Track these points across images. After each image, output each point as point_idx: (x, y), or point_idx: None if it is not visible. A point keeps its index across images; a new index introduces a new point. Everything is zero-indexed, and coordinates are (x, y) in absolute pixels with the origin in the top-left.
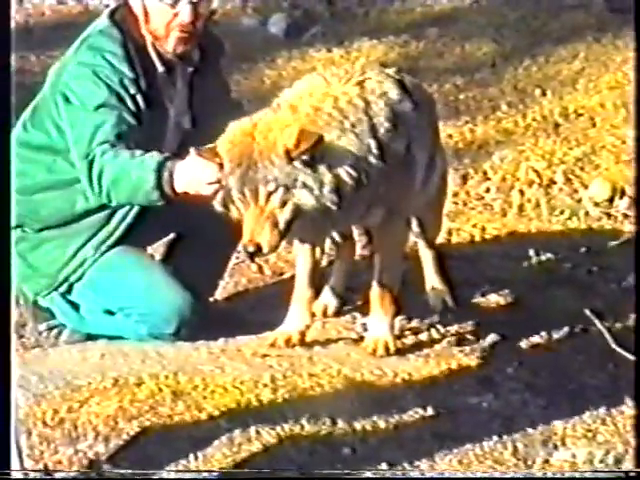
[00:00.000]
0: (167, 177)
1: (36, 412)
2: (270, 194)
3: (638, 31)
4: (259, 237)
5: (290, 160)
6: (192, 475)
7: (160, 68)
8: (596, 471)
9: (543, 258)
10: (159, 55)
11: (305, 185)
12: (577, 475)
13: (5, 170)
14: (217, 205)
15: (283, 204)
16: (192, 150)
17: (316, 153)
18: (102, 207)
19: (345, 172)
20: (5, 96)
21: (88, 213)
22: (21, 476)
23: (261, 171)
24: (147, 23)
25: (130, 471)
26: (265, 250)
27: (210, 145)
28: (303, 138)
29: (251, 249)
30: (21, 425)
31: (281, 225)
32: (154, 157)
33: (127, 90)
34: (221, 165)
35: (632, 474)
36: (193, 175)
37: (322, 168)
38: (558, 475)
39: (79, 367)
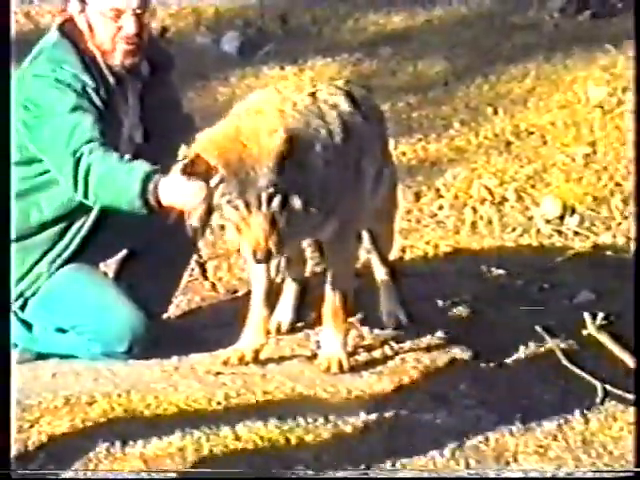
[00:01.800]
0: (152, 189)
1: None
2: (271, 198)
3: (638, 35)
4: (269, 242)
5: (283, 164)
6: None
7: (112, 80)
8: (596, 471)
9: (495, 275)
10: (109, 68)
11: (296, 188)
12: (577, 475)
13: (5, 185)
14: (195, 221)
15: (282, 208)
16: (177, 166)
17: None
18: (56, 220)
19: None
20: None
21: (43, 226)
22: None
23: (261, 176)
24: (93, 38)
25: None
26: (276, 254)
27: (189, 155)
28: (294, 140)
29: (261, 255)
30: None
31: (282, 229)
32: (142, 166)
33: (91, 99)
34: (206, 180)
35: (632, 474)
36: (180, 193)
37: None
38: (561, 475)
39: (30, 386)
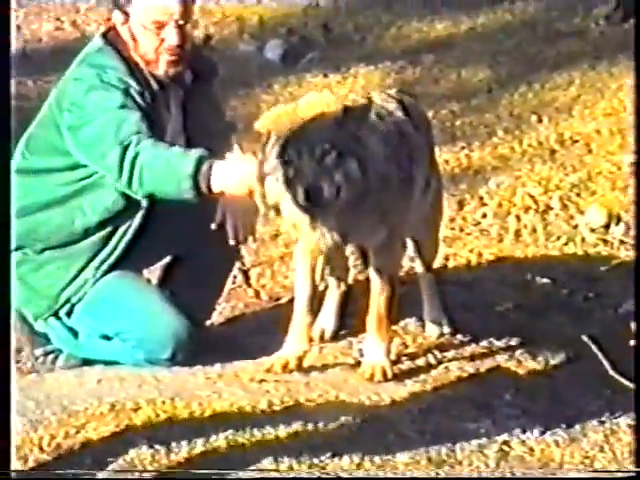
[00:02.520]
0: (205, 170)
1: (33, 438)
2: (325, 153)
3: (638, 48)
4: (321, 183)
5: (340, 127)
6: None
7: (155, 88)
8: (596, 471)
9: (540, 284)
10: (152, 76)
11: (355, 154)
12: (578, 475)
13: (5, 195)
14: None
15: (336, 167)
16: (235, 146)
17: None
18: (100, 225)
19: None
20: (5, 121)
21: (87, 231)
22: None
23: (315, 133)
24: (136, 48)
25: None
26: (326, 198)
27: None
28: (350, 110)
29: (309, 195)
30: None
31: (335, 185)
32: (197, 150)
33: (136, 100)
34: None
35: (632, 474)
36: (233, 176)
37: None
38: (560, 475)
39: (76, 392)
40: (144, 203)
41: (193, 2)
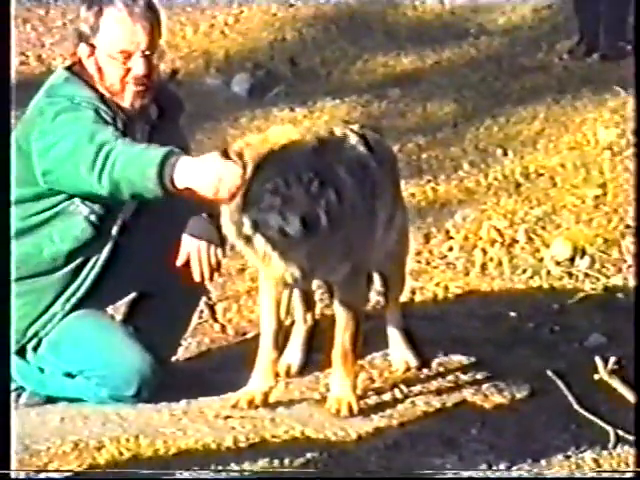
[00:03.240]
0: (173, 161)
1: None
2: (311, 181)
3: (638, 57)
4: (316, 210)
5: (318, 156)
6: None
7: (122, 118)
8: (596, 471)
9: (506, 317)
10: (119, 108)
11: (332, 183)
12: (577, 475)
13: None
14: (234, 209)
15: (320, 196)
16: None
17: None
18: (70, 255)
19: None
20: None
21: (55, 261)
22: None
23: (297, 160)
24: (102, 80)
25: None
26: (322, 225)
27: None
28: (326, 137)
29: (306, 223)
30: None
31: (323, 212)
32: (167, 147)
33: (107, 121)
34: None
35: (633, 474)
36: (204, 171)
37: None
38: (559, 475)
39: (38, 431)
40: (114, 232)
41: (159, 33)
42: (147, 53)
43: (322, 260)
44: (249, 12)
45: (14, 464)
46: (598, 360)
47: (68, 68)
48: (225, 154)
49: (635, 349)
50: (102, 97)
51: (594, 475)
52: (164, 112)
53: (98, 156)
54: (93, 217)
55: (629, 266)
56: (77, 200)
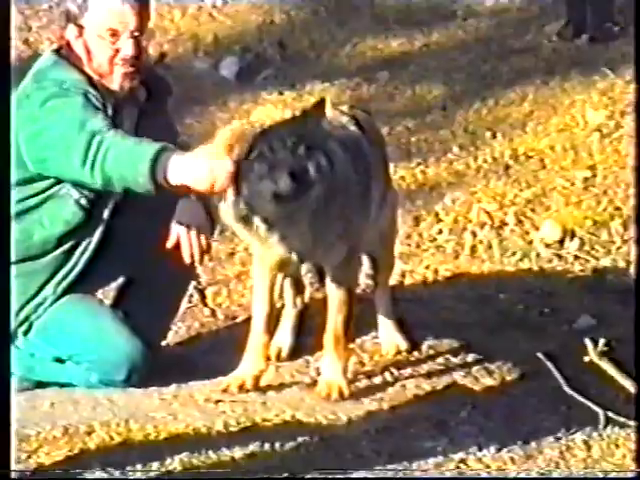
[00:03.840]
0: (165, 157)
1: None
2: (296, 145)
3: (638, 58)
4: (305, 164)
5: (302, 125)
6: None
7: (111, 101)
8: (597, 471)
9: (496, 300)
10: (107, 91)
11: (321, 149)
12: (578, 475)
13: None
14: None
15: (308, 158)
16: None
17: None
18: (60, 240)
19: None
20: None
21: (45, 245)
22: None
23: (281, 129)
24: (90, 62)
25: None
26: (311, 179)
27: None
28: (307, 107)
29: (296, 177)
30: None
31: (312, 167)
32: (165, 143)
33: (96, 106)
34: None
35: (633, 475)
36: (198, 166)
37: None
38: (558, 475)
39: (28, 416)
40: (105, 215)
41: (148, 15)
42: (136, 34)
43: (320, 240)
44: None
45: (14, 465)
46: (588, 342)
47: (56, 51)
48: (216, 147)
49: (635, 338)
50: (91, 80)
51: (594, 475)
52: (152, 95)
53: (90, 148)
54: (84, 201)
55: (618, 248)
56: (67, 184)
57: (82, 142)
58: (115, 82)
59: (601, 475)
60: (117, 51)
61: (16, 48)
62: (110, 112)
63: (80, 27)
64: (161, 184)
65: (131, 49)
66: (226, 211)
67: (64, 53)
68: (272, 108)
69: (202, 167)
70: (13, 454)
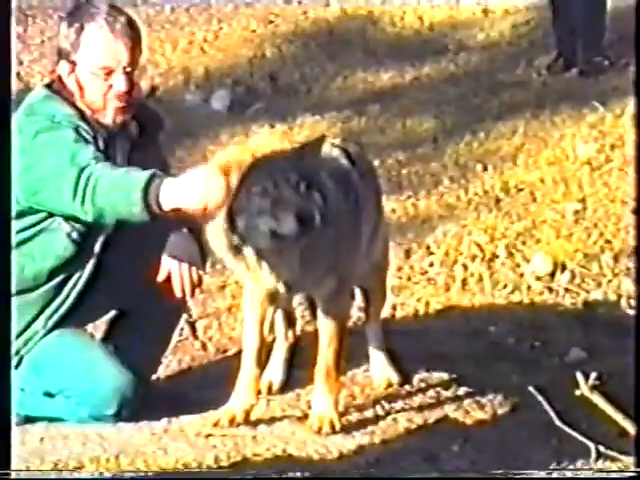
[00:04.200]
0: (157, 183)
1: None
2: (298, 183)
3: (638, 68)
4: (310, 207)
5: (300, 160)
6: None
7: (103, 135)
8: (597, 471)
9: (487, 333)
10: (100, 125)
11: (316, 186)
12: (577, 475)
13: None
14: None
15: (308, 197)
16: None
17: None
18: (51, 274)
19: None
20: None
21: (37, 279)
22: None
23: (282, 163)
24: (82, 97)
25: None
26: (316, 223)
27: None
28: (306, 142)
29: (302, 221)
30: None
31: (316, 209)
32: (154, 170)
33: (87, 140)
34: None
35: (633, 474)
36: (191, 188)
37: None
38: (557, 475)
39: (17, 451)
40: (96, 249)
41: (140, 50)
42: (128, 70)
43: (309, 272)
44: (228, 28)
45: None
46: (579, 375)
47: (47, 86)
48: (211, 168)
49: (635, 367)
50: (82, 115)
51: (594, 475)
52: (144, 129)
53: (79, 181)
54: (75, 234)
55: (609, 281)
56: (59, 218)
57: (72, 176)
58: (108, 116)
59: (600, 475)
60: (110, 87)
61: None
62: (102, 146)
63: (73, 63)
64: (154, 211)
65: (124, 85)
66: (217, 240)
67: (55, 87)
68: (270, 137)
69: (195, 185)
70: (13, 454)
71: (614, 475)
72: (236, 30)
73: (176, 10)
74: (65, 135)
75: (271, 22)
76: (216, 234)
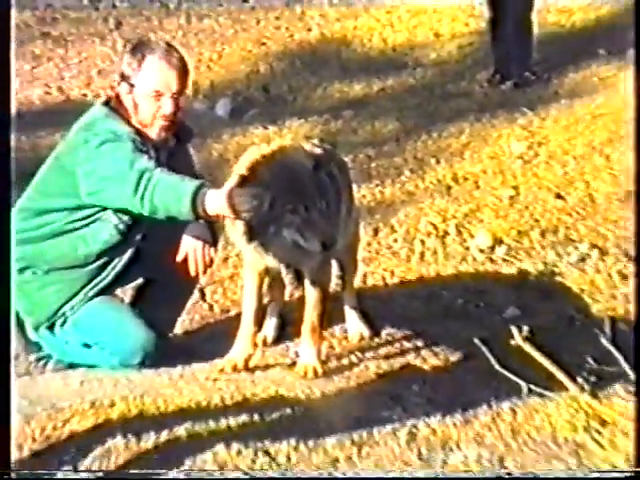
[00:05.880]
0: (203, 193)
1: (26, 431)
2: (322, 205)
3: (638, 69)
4: (333, 233)
5: (316, 174)
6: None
7: (152, 151)
8: (594, 471)
9: (441, 296)
10: (149, 139)
11: (326, 197)
12: (577, 475)
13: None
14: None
15: (328, 213)
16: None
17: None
18: (99, 256)
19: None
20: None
21: (87, 259)
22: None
23: (308, 186)
24: (136, 114)
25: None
26: (335, 247)
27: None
28: (319, 155)
29: (326, 246)
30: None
31: (338, 233)
32: (201, 180)
33: (143, 151)
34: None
35: (632, 474)
36: (223, 203)
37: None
38: (558, 475)
39: (62, 392)
40: (137, 237)
41: (187, 81)
42: (176, 96)
43: (304, 253)
44: (230, 49)
45: (44, 419)
46: (514, 329)
47: (106, 103)
48: (241, 179)
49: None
50: (137, 131)
51: (593, 475)
52: (179, 140)
53: (140, 182)
54: (122, 226)
55: (537, 252)
56: (109, 211)
57: (133, 177)
58: (154, 132)
59: (598, 475)
60: (159, 107)
61: (51, 94)
62: (153, 155)
63: (132, 85)
64: (199, 214)
65: (170, 108)
66: (235, 230)
67: (113, 105)
68: (289, 141)
69: (229, 203)
70: (13, 454)
71: (615, 475)
72: (236, 50)
73: (187, 35)
74: (125, 145)
75: (264, 44)
76: (236, 225)
